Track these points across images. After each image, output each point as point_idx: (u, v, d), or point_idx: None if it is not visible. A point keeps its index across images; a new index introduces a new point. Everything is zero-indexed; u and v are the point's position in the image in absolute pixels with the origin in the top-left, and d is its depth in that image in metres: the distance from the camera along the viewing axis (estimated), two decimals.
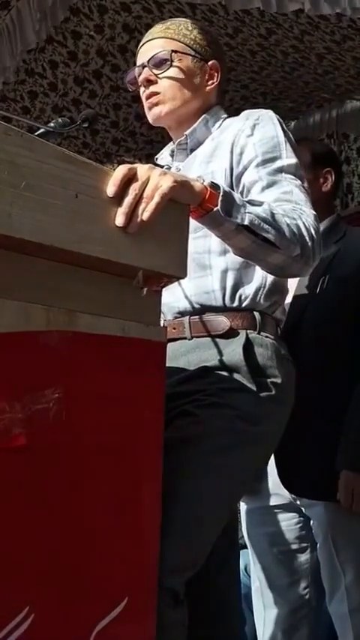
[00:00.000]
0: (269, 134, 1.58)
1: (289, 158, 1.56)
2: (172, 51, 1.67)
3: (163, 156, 1.78)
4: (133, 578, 1.19)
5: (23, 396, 1.03)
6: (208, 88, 1.70)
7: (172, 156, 1.75)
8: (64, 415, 1.07)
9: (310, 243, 1.43)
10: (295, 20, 2.97)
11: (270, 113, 1.63)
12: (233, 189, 1.55)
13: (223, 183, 1.53)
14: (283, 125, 1.62)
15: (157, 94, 1.67)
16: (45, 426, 1.05)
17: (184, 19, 1.77)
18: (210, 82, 1.70)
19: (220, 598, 1.58)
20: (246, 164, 1.56)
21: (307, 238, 1.43)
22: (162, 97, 1.67)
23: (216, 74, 1.70)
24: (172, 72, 1.66)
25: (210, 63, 1.70)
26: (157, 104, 1.67)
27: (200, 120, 1.69)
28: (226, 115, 1.72)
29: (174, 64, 1.66)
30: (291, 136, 1.63)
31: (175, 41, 1.68)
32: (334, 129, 3.89)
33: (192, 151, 1.69)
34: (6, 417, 1.00)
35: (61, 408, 1.07)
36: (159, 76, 1.67)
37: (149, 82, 1.67)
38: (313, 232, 1.44)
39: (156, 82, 1.67)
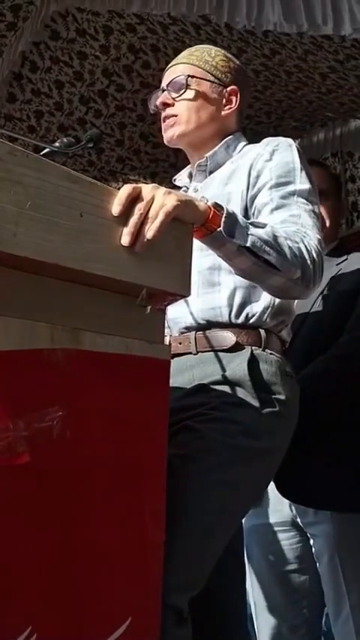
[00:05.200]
0: (285, 159, 1.61)
1: (302, 183, 1.58)
2: (189, 75, 1.71)
3: (181, 177, 1.81)
4: (137, 598, 1.19)
5: (27, 414, 1.03)
6: (224, 112, 1.73)
7: (190, 177, 1.77)
8: (68, 433, 1.07)
9: (311, 267, 1.44)
10: (298, 40, 3.00)
11: (289, 141, 1.66)
12: (248, 211, 1.58)
13: (239, 204, 1.57)
14: (301, 153, 1.65)
15: (173, 116, 1.72)
16: (49, 444, 1.05)
17: (211, 47, 1.81)
18: (227, 107, 1.73)
19: (226, 618, 1.57)
20: (260, 187, 1.58)
21: (308, 261, 1.43)
22: (177, 119, 1.71)
23: (234, 99, 1.73)
24: (188, 95, 1.71)
25: (229, 88, 1.73)
26: (172, 126, 1.72)
27: (222, 144, 1.72)
28: (246, 142, 1.75)
29: (190, 87, 1.71)
30: (307, 164, 1.65)
31: (194, 67, 1.74)
32: (339, 147, 3.91)
33: (211, 172, 1.71)
34: (10, 435, 1.00)
35: (65, 426, 1.07)
36: (176, 99, 1.72)
37: (166, 105, 1.73)
38: (314, 255, 1.45)
39: (172, 105, 1.72)
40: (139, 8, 2.91)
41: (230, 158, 1.71)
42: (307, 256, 1.43)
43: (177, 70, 1.75)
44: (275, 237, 1.39)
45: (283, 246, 1.40)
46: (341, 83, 3.34)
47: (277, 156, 1.61)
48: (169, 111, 1.72)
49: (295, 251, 1.41)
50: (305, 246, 1.44)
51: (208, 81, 1.72)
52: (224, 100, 1.73)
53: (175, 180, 1.82)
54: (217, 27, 3.02)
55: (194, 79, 1.71)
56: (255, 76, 3.36)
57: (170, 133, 1.72)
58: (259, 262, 1.38)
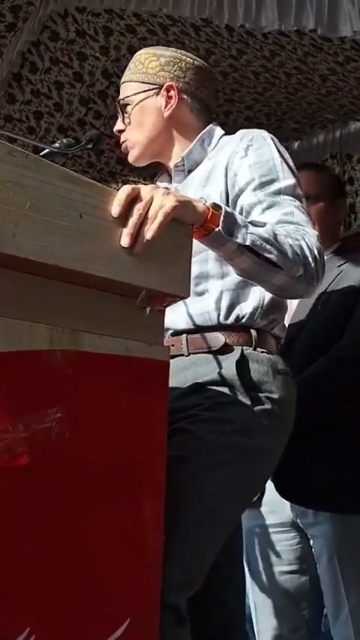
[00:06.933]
0: (265, 157, 1.58)
1: (286, 179, 1.56)
2: (126, 97, 1.71)
3: (162, 178, 1.79)
4: (136, 598, 1.19)
5: (26, 416, 1.03)
6: (167, 113, 1.68)
7: (170, 177, 1.75)
8: (66, 435, 1.07)
9: (312, 264, 1.43)
10: (298, 42, 3.00)
11: (264, 133, 1.63)
12: None
13: None
14: (278, 144, 1.62)
15: (126, 141, 1.72)
16: (48, 445, 1.05)
17: (144, 51, 1.77)
18: (168, 107, 1.68)
19: (224, 618, 1.57)
20: (242, 187, 1.56)
21: (310, 259, 1.43)
22: (129, 143, 1.72)
23: (173, 93, 1.68)
24: (130, 117, 1.70)
25: (164, 86, 1.68)
26: (128, 151, 1.73)
27: (196, 140, 1.69)
28: (222, 133, 1.72)
29: (129, 108, 1.70)
30: (286, 154, 1.62)
31: (131, 83, 1.72)
32: (338, 149, 3.91)
33: (190, 171, 1.69)
34: (9, 437, 1.00)
35: (64, 428, 1.07)
36: (125, 123, 1.72)
37: (120, 132, 1.73)
38: (316, 253, 1.44)
39: (125, 130, 1.73)
40: (136, 6, 2.92)
41: (207, 154, 1.68)
42: (308, 254, 1.42)
43: (121, 92, 1.74)
44: (275, 236, 1.39)
45: (284, 244, 1.39)
46: (341, 85, 3.34)
47: (254, 152, 1.58)
48: (122, 137, 1.73)
49: (296, 249, 1.41)
50: (307, 244, 1.43)
51: (143, 91, 1.69)
52: (164, 101, 1.68)
53: (155, 181, 1.80)
54: (217, 28, 3.01)
55: (129, 97, 1.70)
56: (255, 78, 3.36)
57: (130, 158, 1.74)
58: (260, 261, 1.37)
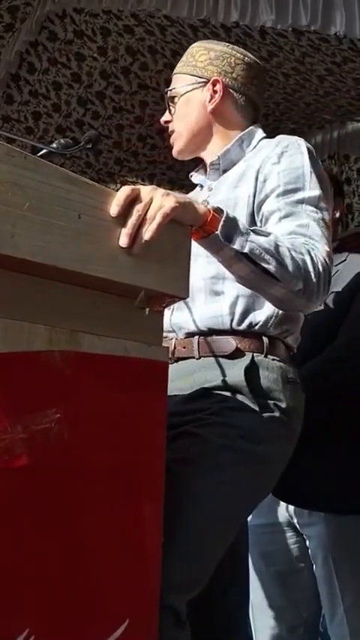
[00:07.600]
0: (295, 164, 1.56)
1: (312, 190, 1.53)
2: (173, 88, 1.72)
3: (198, 173, 1.79)
4: (135, 600, 1.19)
5: (25, 416, 1.03)
6: (210, 107, 1.68)
7: (205, 174, 1.75)
8: (65, 435, 1.07)
9: (314, 280, 1.40)
10: (296, 42, 3.01)
11: (300, 141, 1.61)
12: (254, 217, 1.55)
13: (244, 210, 1.55)
14: (313, 154, 1.60)
15: (172, 133, 1.73)
16: (46, 446, 1.05)
17: (196, 44, 1.78)
18: (212, 101, 1.68)
19: (227, 621, 1.57)
20: (268, 192, 1.54)
21: (312, 274, 1.39)
22: (174, 134, 1.73)
23: (219, 88, 1.68)
24: (177, 109, 1.72)
25: (211, 80, 1.69)
26: (173, 143, 1.73)
27: (236, 140, 1.68)
28: (263, 135, 1.70)
29: (177, 100, 1.71)
30: (318, 165, 1.60)
31: (180, 75, 1.73)
32: (336, 150, 3.92)
33: (225, 171, 1.68)
34: (7, 438, 1.00)
35: (63, 429, 1.07)
36: (171, 114, 1.73)
37: (167, 122, 1.75)
38: (320, 269, 1.41)
39: (172, 121, 1.74)
40: (134, 7, 2.93)
41: (244, 155, 1.67)
42: (311, 269, 1.39)
43: (172, 83, 1.75)
44: (277, 247, 1.37)
45: (285, 256, 1.37)
46: (338, 86, 3.35)
47: (286, 159, 1.56)
48: (170, 128, 1.74)
49: (298, 262, 1.38)
50: (311, 259, 1.40)
51: (190, 84, 1.70)
52: (208, 95, 1.69)
53: (191, 176, 1.80)
54: (215, 29, 3.02)
55: (176, 89, 1.71)
56: None
57: (174, 151, 1.74)
58: (257, 270, 1.35)
